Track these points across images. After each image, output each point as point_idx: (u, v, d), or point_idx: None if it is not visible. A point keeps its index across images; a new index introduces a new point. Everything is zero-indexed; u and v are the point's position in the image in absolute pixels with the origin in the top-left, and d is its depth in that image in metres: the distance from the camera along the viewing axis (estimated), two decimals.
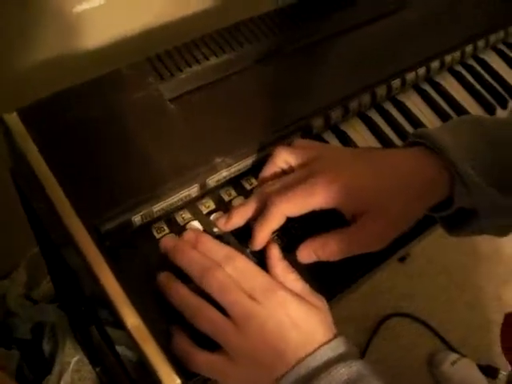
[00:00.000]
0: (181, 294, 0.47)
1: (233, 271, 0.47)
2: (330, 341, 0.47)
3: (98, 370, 1.09)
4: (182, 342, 0.47)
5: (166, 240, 0.51)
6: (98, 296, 0.48)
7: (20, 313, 1.03)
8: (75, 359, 1.09)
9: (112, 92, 0.58)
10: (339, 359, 0.46)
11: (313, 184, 0.49)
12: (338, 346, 0.47)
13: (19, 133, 0.51)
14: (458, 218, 0.55)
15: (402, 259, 1.56)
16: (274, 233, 0.52)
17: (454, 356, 1.39)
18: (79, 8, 0.75)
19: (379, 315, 1.46)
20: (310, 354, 0.46)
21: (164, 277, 0.49)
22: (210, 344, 0.46)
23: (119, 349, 0.48)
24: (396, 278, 1.54)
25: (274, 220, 0.49)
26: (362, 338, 1.41)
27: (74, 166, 0.52)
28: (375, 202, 0.50)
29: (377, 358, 1.37)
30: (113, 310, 0.46)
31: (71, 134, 0.54)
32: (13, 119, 0.52)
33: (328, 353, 0.46)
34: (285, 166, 0.54)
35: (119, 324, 0.46)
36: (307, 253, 0.51)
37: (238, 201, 0.55)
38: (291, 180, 0.51)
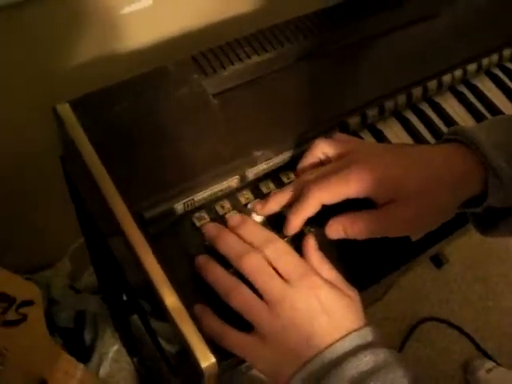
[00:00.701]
0: (217, 273, 0.50)
1: (271, 254, 0.49)
2: (359, 329, 0.48)
3: (135, 359, 1.12)
4: (214, 321, 0.49)
5: (209, 226, 0.53)
6: (141, 283, 0.51)
7: (63, 302, 1.07)
8: (114, 349, 1.13)
9: (158, 87, 0.61)
10: (367, 346, 0.47)
11: (347, 174, 0.51)
12: (367, 335, 0.48)
13: (71, 123, 0.54)
14: (492, 217, 0.56)
15: (440, 265, 1.56)
16: (308, 225, 0.54)
17: (489, 364, 1.39)
18: (126, 10, 0.78)
19: (415, 319, 1.46)
20: (338, 340, 0.47)
21: (202, 258, 0.51)
22: (242, 325, 0.48)
23: (161, 340, 0.51)
24: (433, 284, 1.54)
25: (310, 207, 0.51)
26: (397, 341, 1.41)
27: (121, 155, 0.55)
28: (405, 190, 0.51)
29: (411, 361, 1.37)
30: (153, 292, 0.49)
31: (119, 126, 0.57)
32: (65, 110, 0.55)
33: (356, 340, 0.47)
34: (323, 157, 0.56)
35: (161, 314, 0.49)
36: (335, 228, 0.53)
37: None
38: (328, 170, 0.53)
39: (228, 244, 0.51)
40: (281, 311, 0.47)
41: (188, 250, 0.53)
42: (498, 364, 1.38)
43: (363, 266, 0.56)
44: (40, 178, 0.90)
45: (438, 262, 1.56)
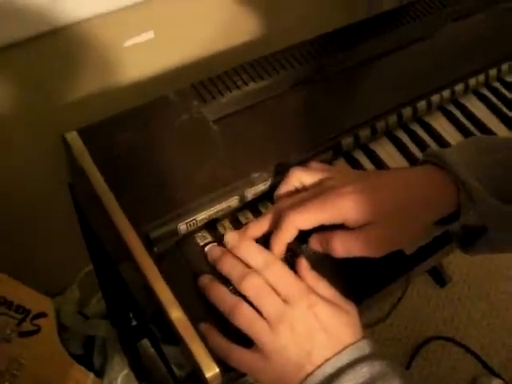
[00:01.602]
0: (219, 292, 0.52)
1: (270, 276, 0.52)
2: (356, 342, 0.51)
3: None
4: (219, 339, 0.51)
5: (212, 249, 0.56)
6: (152, 307, 0.53)
7: (72, 328, 1.09)
8: (123, 374, 1.14)
9: (160, 114, 0.64)
10: (364, 359, 0.49)
11: (322, 200, 0.54)
12: (364, 347, 0.50)
13: (79, 149, 0.58)
14: (470, 235, 0.58)
15: (443, 284, 1.57)
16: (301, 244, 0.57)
17: (496, 381, 1.39)
18: (129, 42, 0.82)
19: (420, 338, 1.46)
20: (336, 354, 0.49)
21: (205, 278, 0.54)
22: (245, 340, 0.51)
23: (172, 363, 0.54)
24: (437, 303, 1.54)
25: (287, 232, 0.54)
26: (403, 361, 1.41)
27: (127, 179, 0.58)
28: (378, 212, 0.54)
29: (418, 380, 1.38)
30: (160, 308, 0.51)
31: (125, 152, 0.60)
32: (73, 138, 0.58)
33: (353, 353, 0.50)
34: (299, 186, 0.58)
35: (172, 338, 0.51)
36: (317, 241, 0.56)
37: None
38: (304, 196, 0.56)
39: (229, 266, 0.53)
40: (281, 330, 0.50)
41: (192, 267, 0.56)
42: (505, 381, 1.38)
43: (358, 279, 0.58)
44: (49, 206, 0.93)
45: (442, 281, 1.56)
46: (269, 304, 0.51)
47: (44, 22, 0.71)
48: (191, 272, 0.55)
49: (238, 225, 0.59)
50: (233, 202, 0.59)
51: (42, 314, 0.38)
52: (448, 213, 0.57)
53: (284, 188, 0.59)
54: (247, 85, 0.68)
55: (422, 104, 0.71)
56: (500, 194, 0.55)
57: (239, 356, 0.51)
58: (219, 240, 0.57)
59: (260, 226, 0.56)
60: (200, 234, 0.58)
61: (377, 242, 0.54)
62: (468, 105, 0.76)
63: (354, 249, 0.54)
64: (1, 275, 0.35)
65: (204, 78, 0.69)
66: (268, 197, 0.62)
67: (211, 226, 0.59)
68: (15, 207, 0.90)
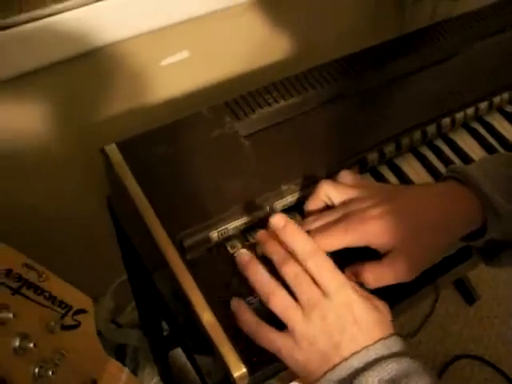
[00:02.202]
0: (259, 273, 0.54)
1: (312, 265, 0.53)
2: (385, 338, 0.52)
3: None
4: (250, 317, 0.53)
5: (261, 233, 0.57)
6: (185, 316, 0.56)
7: (105, 335, 1.13)
8: (154, 381, 1.17)
9: (195, 130, 0.68)
10: (392, 355, 0.50)
11: (346, 225, 0.56)
12: (393, 345, 0.51)
13: (118, 162, 0.62)
14: (494, 248, 0.60)
15: (472, 302, 1.56)
16: None
17: None
18: (165, 62, 0.86)
19: (448, 356, 1.46)
20: (364, 349, 0.50)
21: (246, 256, 0.56)
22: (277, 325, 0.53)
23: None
24: (465, 321, 1.53)
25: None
26: None
27: (162, 190, 0.62)
28: (405, 236, 0.55)
29: None
30: (192, 312, 0.54)
31: (161, 164, 0.64)
32: (113, 150, 0.62)
33: (382, 349, 0.51)
34: (327, 200, 0.61)
35: (204, 348, 0.54)
36: (348, 276, 0.56)
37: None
38: (330, 219, 0.58)
39: (273, 248, 0.55)
40: (313, 319, 0.51)
41: (222, 274, 0.58)
42: None
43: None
44: (86, 218, 0.97)
45: (471, 298, 1.56)
46: (306, 292, 0.52)
47: (83, 42, 0.75)
48: (222, 279, 0.58)
49: None
50: (262, 212, 0.62)
51: (83, 311, 0.41)
52: (474, 228, 0.58)
53: (312, 203, 0.61)
54: (277, 102, 0.72)
55: (445, 121, 0.73)
56: None
57: (268, 336, 0.53)
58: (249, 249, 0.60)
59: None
60: (231, 243, 0.61)
61: (405, 268, 0.55)
62: (492, 122, 0.78)
63: (384, 279, 0.56)
64: (48, 273, 0.38)
65: (236, 96, 0.72)
66: (296, 208, 0.64)
67: (242, 235, 0.62)
68: (55, 218, 0.94)
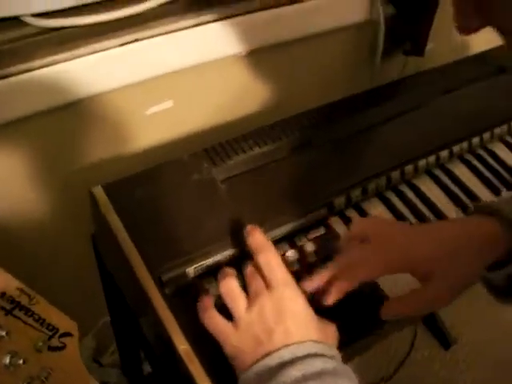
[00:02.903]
0: (224, 269, 0.61)
1: (262, 260, 0.59)
2: (320, 342, 0.54)
3: None
4: (206, 303, 0.59)
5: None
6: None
7: None
8: None
9: (175, 174, 0.73)
10: (321, 355, 0.53)
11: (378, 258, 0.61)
12: (326, 349, 0.54)
13: (103, 202, 0.67)
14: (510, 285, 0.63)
15: (448, 346, 1.58)
16: None
17: None
18: (151, 110, 0.92)
19: None
20: (297, 343, 0.53)
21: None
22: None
23: None
24: (441, 365, 1.54)
25: (348, 285, 0.60)
26: None
27: (144, 229, 0.67)
28: (440, 266, 0.59)
29: None
30: (167, 342, 0.58)
31: (143, 205, 0.69)
32: (99, 192, 0.67)
33: (314, 348, 0.53)
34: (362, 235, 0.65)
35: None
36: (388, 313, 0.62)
37: None
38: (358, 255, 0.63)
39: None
40: (255, 306, 0.56)
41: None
42: None
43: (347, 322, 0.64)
44: (70, 257, 1.01)
45: (446, 343, 1.58)
46: (253, 283, 0.58)
47: (71, 93, 0.79)
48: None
49: (240, 272, 0.67)
50: (235, 251, 0.66)
51: (68, 334, 0.45)
52: (500, 256, 0.60)
53: (348, 237, 0.67)
54: (252, 150, 0.78)
55: (409, 168, 0.79)
56: None
57: (214, 320, 0.57)
58: None
59: (325, 276, 0.62)
60: (207, 279, 0.65)
61: (444, 297, 0.59)
62: (453, 169, 0.84)
63: (426, 309, 0.62)
64: (38, 297, 0.43)
65: (215, 143, 0.78)
66: None
67: (217, 271, 0.66)
68: (39, 256, 0.98)
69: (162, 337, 0.60)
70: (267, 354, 0.53)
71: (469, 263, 0.60)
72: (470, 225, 0.63)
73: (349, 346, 0.62)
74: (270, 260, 0.59)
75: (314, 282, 0.61)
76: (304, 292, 0.60)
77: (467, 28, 0.46)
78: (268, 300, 0.56)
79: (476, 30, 0.46)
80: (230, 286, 0.59)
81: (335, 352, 0.55)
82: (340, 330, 0.59)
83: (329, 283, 0.60)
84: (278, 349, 0.53)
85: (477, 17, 0.45)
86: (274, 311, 0.55)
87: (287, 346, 0.53)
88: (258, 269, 0.60)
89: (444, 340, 1.57)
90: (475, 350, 1.55)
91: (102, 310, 0.98)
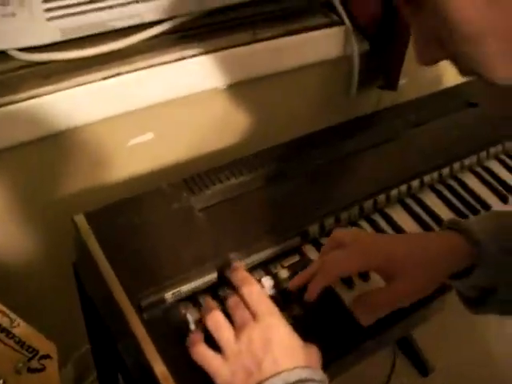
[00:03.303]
0: (208, 303, 0.64)
1: (246, 292, 0.62)
2: (308, 367, 0.56)
3: None
4: (195, 337, 0.60)
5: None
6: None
7: None
8: None
9: (155, 203, 0.76)
10: (311, 380, 0.55)
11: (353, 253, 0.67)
12: (315, 374, 0.56)
13: (85, 230, 0.69)
14: (481, 296, 0.68)
15: (426, 374, 1.60)
16: None
17: None
18: (132, 142, 0.95)
19: None
20: (286, 370, 0.55)
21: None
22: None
23: None
24: None
25: (327, 278, 0.67)
26: None
27: (124, 256, 0.69)
28: (409, 265, 0.65)
29: None
30: (143, 361, 0.60)
31: (123, 233, 0.71)
32: (81, 220, 0.70)
33: (303, 373, 0.55)
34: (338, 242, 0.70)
35: None
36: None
37: None
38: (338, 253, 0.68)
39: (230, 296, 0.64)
40: (242, 337, 0.58)
41: (176, 332, 0.64)
42: None
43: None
44: (49, 285, 1.02)
45: (424, 370, 1.60)
46: (238, 314, 0.61)
47: (54, 124, 0.82)
48: (176, 336, 0.64)
49: (217, 298, 0.69)
50: (212, 277, 0.69)
51: (48, 356, 0.47)
52: (461, 268, 0.67)
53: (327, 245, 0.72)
54: (229, 180, 0.81)
55: (381, 197, 0.83)
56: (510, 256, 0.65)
57: (203, 352, 0.59)
58: (200, 309, 0.66)
59: (307, 273, 0.68)
60: (184, 304, 0.67)
61: (410, 290, 0.66)
62: (424, 199, 0.87)
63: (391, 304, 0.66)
64: (19, 320, 0.44)
65: (194, 173, 0.80)
66: None
67: (194, 297, 0.69)
68: (20, 285, 0.99)
69: (140, 361, 0.62)
70: (259, 383, 0.55)
71: (433, 268, 0.66)
72: (440, 236, 0.70)
73: (328, 367, 0.64)
74: (254, 291, 0.63)
75: (296, 281, 0.69)
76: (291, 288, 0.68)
77: (425, 60, 0.50)
78: (255, 330, 0.58)
79: (434, 62, 0.50)
80: (216, 318, 0.61)
81: (323, 376, 0.58)
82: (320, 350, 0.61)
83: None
84: (268, 377, 0.55)
85: (436, 51, 0.48)
86: (262, 340, 0.57)
87: (278, 373, 0.55)
88: (242, 300, 0.62)
89: (422, 367, 1.58)
90: (453, 375, 1.56)
91: (82, 339, 0.99)
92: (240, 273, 0.66)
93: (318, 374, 0.57)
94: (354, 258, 0.67)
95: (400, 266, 0.66)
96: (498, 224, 0.70)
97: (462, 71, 0.50)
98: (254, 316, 0.60)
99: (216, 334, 0.60)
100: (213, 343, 0.60)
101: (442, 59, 0.50)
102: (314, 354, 0.60)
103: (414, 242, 0.70)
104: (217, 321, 0.61)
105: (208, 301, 0.65)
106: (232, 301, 0.63)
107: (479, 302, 0.69)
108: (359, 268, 0.69)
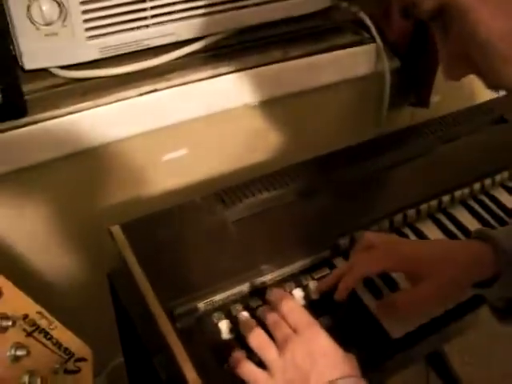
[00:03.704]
0: (247, 320, 0.66)
1: (285, 309, 0.64)
2: (352, 377, 0.58)
3: None
4: (239, 355, 0.62)
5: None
6: None
7: None
8: None
9: (189, 215, 0.78)
10: None
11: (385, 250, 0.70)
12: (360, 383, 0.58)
13: (121, 240, 0.71)
14: (508, 307, 0.69)
15: None
16: None
17: None
18: (167, 157, 0.97)
19: None
20: (332, 381, 0.56)
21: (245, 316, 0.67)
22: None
23: None
24: None
25: (355, 279, 0.69)
26: None
27: (158, 266, 0.71)
28: (434, 268, 0.67)
29: None
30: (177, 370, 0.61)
31: (158, 244, 0.73)
32: (117, 230, 0.72)
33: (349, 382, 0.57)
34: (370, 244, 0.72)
35: None
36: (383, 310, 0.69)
37: None
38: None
39: (263, 310, 0.66)
40: (285, 352, 0.59)
41: (209, 341, 0.66)
42: None
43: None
44: (86, 297, 1.04)
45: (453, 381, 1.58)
46: (280, 331, 0.62)
47: (92, 138, 0.85)
48: (208, 344, 0.65)
49: (249, 309, 0.70)
50: (244, 288, 0.70)
51: (83, 359, 0.48)
52: (487, 277, 0.68)
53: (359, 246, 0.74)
54: (261, 194, 0.82)
55: (411, 211, 0.83)
56: None
57: (249, 368, 0.61)
58: (232, 320, 0.68)
59: (337, 275, 0.71)
60: (216, 314, 0.69)
61: (434, 298, 0.67)
62: (455, 213, 0.87)
63: (420, 301, 0.67)
64: (57, 323, 0.46)
65: (226, 187, 0.82)
66: (275, 286, 0.73)
67: (226, 307, 0.70)
68: (57, 296, 1.01)
69: (174, 372, 0.63)
70: None
71: (459, 273, 0.68)
72: (467, 244, 0.73)
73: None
74: (294, 307, 0.64)
75: (325, 282, 0.71)
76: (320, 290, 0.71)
77: (452, 76, 0.51)
78: (298, 344, 0.60)
79: (460, 77, 0.51)
80: (259, 337, 0.62)
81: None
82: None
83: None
84: None
85: (463, 66, 0.49)
86: (306, 354, 0.59)
87: None
88: (281, 316, 0.64)
89: (450, 379, 1.56)
90: None
91: (117, 350, 1.01)
92: (276, 290, 0.68)
93: (362, 383, 0.58)
94: (382, 258, 0.69)
95: (426, 269, 0.67)
96: None
97: (491, 86, 0.50)
98: (294, 330, 0.61)
99: (260, 352, 0.61)
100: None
101: (469, 74, 0.50)
102: (353, 362, 0.61)
103: (441, 246, 0.72)
104: (260, 339, 0.62)
105: (247, 319, 0.66)
106: (272, 317, 0.64)
107: (507, 312, 0.70)
108: (386, 268, 0.70)
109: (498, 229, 0.75)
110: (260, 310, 0.67)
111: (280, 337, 0.61)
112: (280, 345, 0.61)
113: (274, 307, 0.65)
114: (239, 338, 0.66)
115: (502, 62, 0.45)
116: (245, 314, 0.68)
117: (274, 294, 0.67)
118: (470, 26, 0.44)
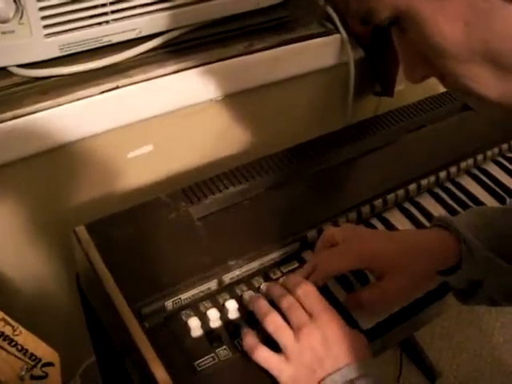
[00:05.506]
0: (261, 301, 0.66)
1: (301, 294, 0.64)
2: (365, 361, 0.60)
3: None
4: (251, 340, 0.62)
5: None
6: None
7: None
8: None
9: (154, 213, 0.77)
10: (371, 374, 0.59)
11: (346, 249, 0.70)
12: (373, 365, 0.60)
13: (86, 242, 0.70)
14: (471, 289, 0.71)
15: (433, 380, 1.60)
16: None
17: None
18: (132, 154, 0.96)
19: None
20: (347, 365, 0.59)
21: (255, 296, 0.68)
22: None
23: None
24: None
25: (322, 275, 0.69)
26: None
27: (124, 265, 0.70)
28: (397, 262, 0.68)
29: None
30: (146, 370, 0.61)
31: (123, 243, 0.72)
32: (82, 231, 0.71)
33: (362, 368, 0.59)
34: (331, 240, 0.73)
35: None
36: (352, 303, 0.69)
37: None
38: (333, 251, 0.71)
39: (275, 288, 0.67)
40: (301, 336, 0.60)
41: (178, 339, 0.65)
42: None
43: None
44: (55, 298, 1.03)
45: (432, 376, 1.60)
46: (295, 315, 0.63)
47: (54, 138, 0.83)
48: (177, 343, 0.65)
49: (217, 305, 0.70)
50: (212, 284, 0.70)
51: (50, 364, 0.48)
52: (450, 265, 0.70)
53: (321, 243, 0.74)
54: (227, 189, 0.81)
55: (378, 201, 0.83)
56: (495, 251, 0.68)
57: (264, 354, 0.61)
58: (201, 318, 0.67)
59: (303, 273, 0.70)
60: (184, 312, 0.68)
61: (402, 291, 0.69)
62: (422, 202, 0.88)
63: (388, 295, 0.68)
64: (21, 328, 0.45)
65: (192, 183, 0.82)
66: (243, 281, 0.72)
67: (194, 305, 0.69)
68: (24, 298, 1.00)
69: (144, 371, 0.62)
70: (320, 381, 0.58)
71: (422, 265, 0.69)
72: (428, 233, 0.74)
73: None
74: (309, 291, 0.65)
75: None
76: None
77: (412, 78, 0.51)
78: (313, 329, 0.61)
79: (422, 79, 0.51)
80: (275, 321, 0.63)
81: (379, 366, 0.62)
82: None
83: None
84: (330, 374, 0.58)
85: (423, 69, 0.50)
86: (321, 339, 0.60)
87: (339, 369, 0.59)
88: (296, 300, 0.64)
89: (429, 373, 1.58)
90: (461, 381, 1.56)
91: (89, 351, 1.00)
92: (293, 276, 0.69)
93: (375, 365, 0.60)
94: (346, 257, 0.69)
95: (390, 263, 0.68)
96: (483, 219, 0.73)
97: (450, 88, 0.51)
98: (310, 315, 0.62)
99: (276, 335, 0.62)
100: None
101: (430, 77, 0.51)
102: (365, 343, 0.63)
103: (402, 238, 0.72)
104: (276, 323, 0.63)
105: (261, 304, 0.66)
106: (287, 301, 0.64)
107: (469, 293, 0.71)
108: (351, 267, 0.70)
109: (457, 215, 0.76)
110: (274, 294, 0.67)
111: (296, 321, 0.62)
112: (296, 329, 0.62)
113: (289, 291, 0.66)
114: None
115: (456, 64, 0.45)
116: (257, 294, 0.69)
117: (290, 280, 0.68)
118: (425, 32, 0.44)
